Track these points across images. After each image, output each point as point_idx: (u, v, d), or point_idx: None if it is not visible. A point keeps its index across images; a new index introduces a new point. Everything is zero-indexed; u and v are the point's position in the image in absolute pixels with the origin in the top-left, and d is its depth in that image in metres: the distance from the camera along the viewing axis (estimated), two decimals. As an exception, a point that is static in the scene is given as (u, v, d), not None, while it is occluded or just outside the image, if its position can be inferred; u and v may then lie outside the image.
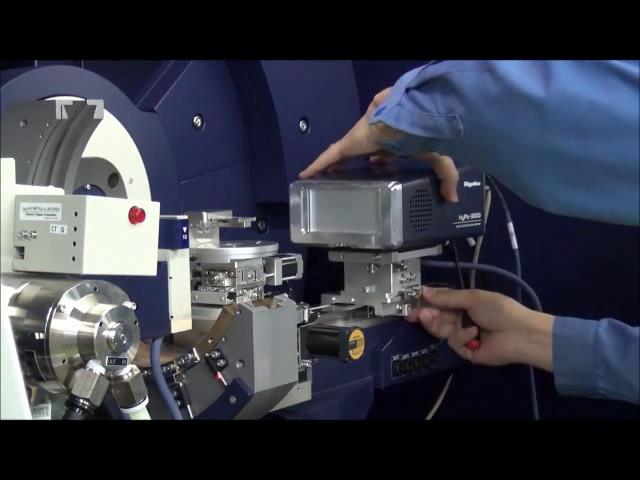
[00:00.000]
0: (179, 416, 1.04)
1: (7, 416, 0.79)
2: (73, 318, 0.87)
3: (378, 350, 1.30)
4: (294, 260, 1.16)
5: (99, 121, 1.01)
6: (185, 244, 1.02)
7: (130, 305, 0.90)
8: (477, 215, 1.34)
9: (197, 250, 1.12)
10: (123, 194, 1.17)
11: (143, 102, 1.24)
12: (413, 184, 1.24)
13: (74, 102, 1.00)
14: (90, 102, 1.00)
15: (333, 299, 1.32)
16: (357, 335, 1.14)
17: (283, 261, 1.15)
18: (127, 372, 0.90)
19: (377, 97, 1.22)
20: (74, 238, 0.89)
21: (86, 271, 0.89)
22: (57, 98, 1.07)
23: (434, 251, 1.35)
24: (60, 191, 0.97)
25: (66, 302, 0.87)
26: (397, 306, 1.32)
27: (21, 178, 0.97)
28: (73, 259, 0.89)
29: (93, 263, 0.89)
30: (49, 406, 0.91)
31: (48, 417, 0.91)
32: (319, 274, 1.36)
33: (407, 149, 1.19)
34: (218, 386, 1.08)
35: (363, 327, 1.18)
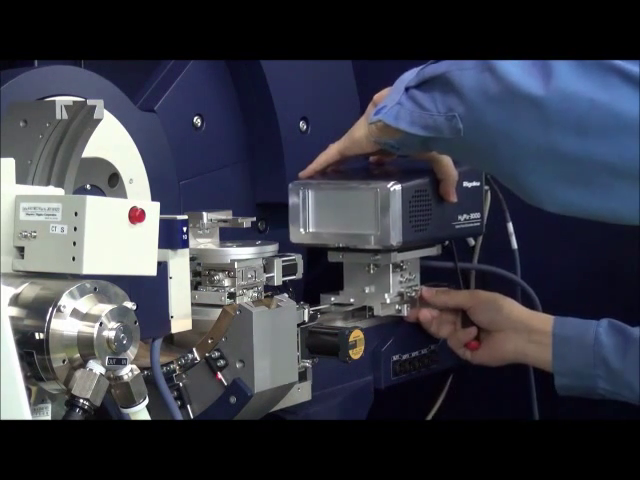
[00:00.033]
0: (179, 416, 1.04)
1: (7, 416, 0.79)
2: (73, 318, 0.87)
3: (378, 350, 1.30)
4: (294, 260, 1.16)
5: (99, 121, 1.01)
6: (185, 244, 1.02)
7: (130, 305, 0.90)
8: (476, 215, 1.34)
9: (197, 250, 1.12)
10: (123, 194, 1.17)
11: (143, 102, 1.24)
12: (412, 184, 1.24)
13: (74, 102, 1.00)
14: (90, 102, 1.00)
15: (332, 299, 1.31)
16: (357, 335, 1.14)
17: (283, 261, 1.15)
18: (127, 372, 0.90)
19: (376, 97, 1.22)
20: (74, 238, 0.89)
21: (86, 271, 0.89)
22: (57, 98, 1.07)
23: (433, 251, 1.35)
24: (60, 191, 0.97)
25: (66, 302, 0.87)
26: (396, 306, 1.32)
27: (21, 178, 0.97)
28: (73, 259, 0.89)
29: (93, 263, 0.89)
30: (49, 406, 0.91)
31: (48, 417, 0.91)
32: (319, 274, 1.36)
33: (406, 148, 1.19)
34: (218, 386, 1.08)
35: (363, 327, 1.18)
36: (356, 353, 1.14)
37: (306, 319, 1.15)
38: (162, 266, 0.99)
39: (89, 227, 0.89)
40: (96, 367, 0.87)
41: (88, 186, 1.13)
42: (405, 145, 1.17)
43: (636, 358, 1.24)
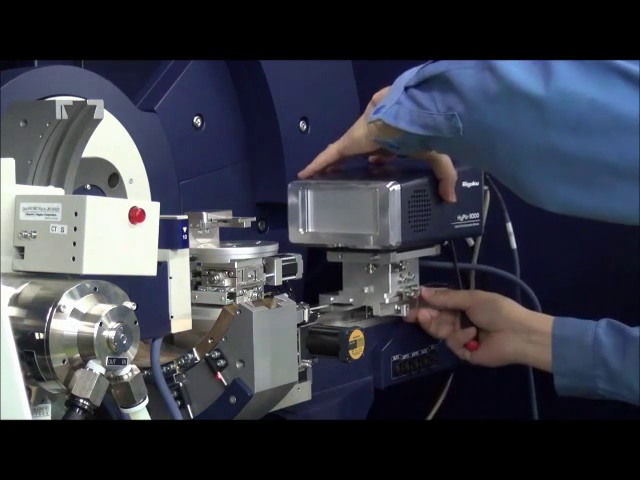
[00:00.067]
0: (179, 416, 1.04)
1: (7, 416, 0.79)
2: (73, 318, 0.87)
3: (378, 350, 1.30)
4: (294, 260, 1.16)
5: (99, 121, 1.01)
6: (185, 244, 1.02)
7: (130, 305, 0.90)
8: (476, 215, 1.34)
9: (197, 250, 1.12)
10: (123, 194, 1.17)
11: (143, 102, 1.24)
12: (411, 184, 1.24)
13: (74, 102, 1.00)
14: (90, 102, 1.00)
15: (331, 299, 1.31)
16: (357, 335, 1.14)
17: (283, 261, 1.15)
18: (127, 372, 0.90)
19: (375, 96, 1.22)
20: (74, 238, 0.89)
21: (86, 271, 0.89)
22: (57, 98, 1.07)
23: (433, 251, 1.35)
24: (60, 191, 0.97)
25: (66, 302, 0.87)
26: (395, 306, 1.32)
27: (21, 178, 0.97)
28: (73, 259, 0.89)
29: (93, 263, 0.89)
30: (49, 406, 0.91)
31: (48, 417, 0.91)
32: (319, 274, 1.36)
33: (406, 148, 1.19)
34: (218, 386, 1.08)
35: (362, 327, 1.17)
36: (356, 353, 1.14)
37: (306, 319, 1.15)
38: (162, 266, 0.99)
39: (89, 227, 0.89)
40: (96, 367, 0.87)
41: (88, 186, 1.13)
42: (404, 144, 1.17)
43: (636, 358, 1.24)
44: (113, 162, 1.16)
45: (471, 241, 1.43)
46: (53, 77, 1.11)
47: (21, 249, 0.92)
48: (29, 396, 0.87)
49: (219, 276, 1.11)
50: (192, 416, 1.09)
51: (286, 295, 1.14)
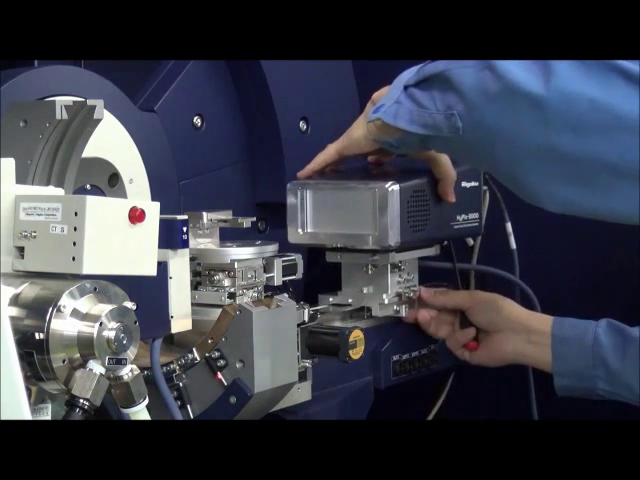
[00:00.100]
0: (179, 416, 1.04)
1: (7, 416, 0.79)
2: (73, 318, 0.87)
3: (378, 350, 1.30)
4: (294, 260, 1.16)
5: (99, 121, 1.01)
6: (185, 244, 1.02)
7: (130, 305, 0.90)
8: (475, 215, 1.34)
9: (197, 250, 1.12)
10: (123, 194, 1.17)
11: (143, 102, 1.24)
12: (410, 184, 1.24)
13: (74, 102, 1.00)
14: (90, 102, 1.00)
15: (330, 300, 1.31)
16: (357, 335, 1.14)
17: (283, 261, 1.15)
18: (127, 372, 0.90)
19: (375, 95, 1.21)
20: (74, 238, 0.89)
21: (86, 271, 0.89)
22: (57, 98, 1.07)
23: (432, 251, 1.35)
24: (60, 191, 0.97)
25: (66, 302, 0.87)
26: (395, 307, 1.32)
27: (21, 178, 0.97)
28: (73, 259, 0.89)
29: (93, 263, 0.89)
30: (49, 406, 0.91)
31: (48, 417, 0.91)
32: (319, 274, 1.36)
33: (405, 147, 1.19)
34: (218, 386, 1.08)
35: (362, 327, 1.18)
36: (356, 353, 1.14)
37: (306, 319, 1.15)
38: (162, 266, 0.99)
39: (89, 227, 0.89)
40: (96, 367, 0.87)
41: (88, 186, 1.13)
42: (404, 144, 1.17)
43: (635, 358, 1.23)
44: (113, 162, 1.16)
45: (471, 241, 1.43)
46: (53, 77, 1.11)
47: (21, 249, 0.92)
48: (29, 396, 0.87)
49: (219, 276, 1.11)
50: (192, 416, 1.09)
51: (286, 295, 1.14)
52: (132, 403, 0.92)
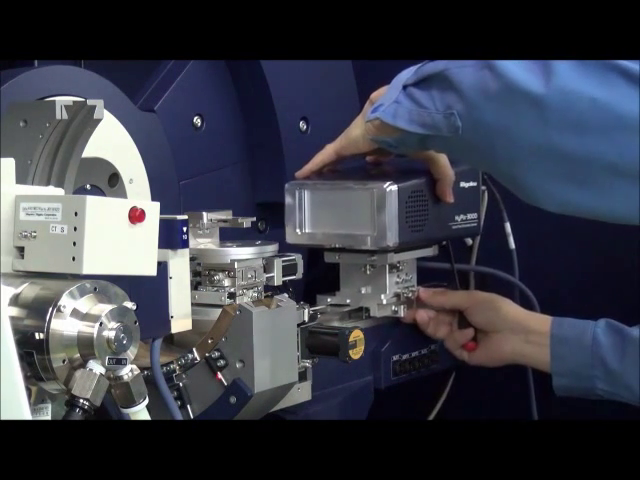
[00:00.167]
0: (179, 416, 1.04)
1: (7, 416, 0.79)
2: (73, 318, 0.87)
3: (378, 350, 1.30)
4: (294, 260, 1.16)
5: (99, 121, 1.01)
6: (185, 244, 1.02)
7: (130, 305, 0.90)
8: (473, 215, 1.34)
9: (197, 250, 1.12)
10: (123, 194, 1.17)
11: (143, 102, 1.24)
12: (409, 184, 1.24)
13: (74, 102, 1.00)
14: (90, 102, 1.00)
15: (328, 300, 1.31)
16: (357, 335, 1.14)
17: (283, 261, 1.15)
18: (127, 372, 0.90)
19: (373, 95, 1.21)
20: (74, 238, 0.89)
21: (86, 271, 0.89)
22: (57, 98, 1.07)
23: (430, 252, 1.35)
24: (60, 191, 0.97)
25: (66, 302, 0.87)
26: (393, 307, 1.32)
27: (21, 178, 0.97)
28: (73, 259, 0.89)
29: (93, 263, 0.89)
30: (49, 406, 0.91)
31: (48, 417, 0.91)
32: (319, 274, 1.36)
33: (404, 147, 1.19)
34: (218, 386, 1.08)
35: (361, 328, 1.18)
36: (356, 353, 1.14)
37: (306, 319, 1.15)
38: (162, 266, 0.99)
39: (89, 227, 0.89)
40: (96, 367, 0.87)
41: (88, 186, 1.13)
42: (403, 143, 1.17)
43: (635, 358, 1.23)
44: (113, 162, 1.16)
45: (469, 241, 1.43)
46: (53, 77, 1.11)
47: (21, 249, 0.92)
48: (29, 396, 0.87)
49: (219, 276, 1.11)
50: (192, 416, 1.09)
51: (286, 295, 1.14)
52: (132, 403, 0.92)
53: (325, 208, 1.26)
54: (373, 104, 1.18)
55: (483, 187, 1.37)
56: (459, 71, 1.05)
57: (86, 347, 0.87)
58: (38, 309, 0.87)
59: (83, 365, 0.88)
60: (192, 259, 1.07)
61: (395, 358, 1.32)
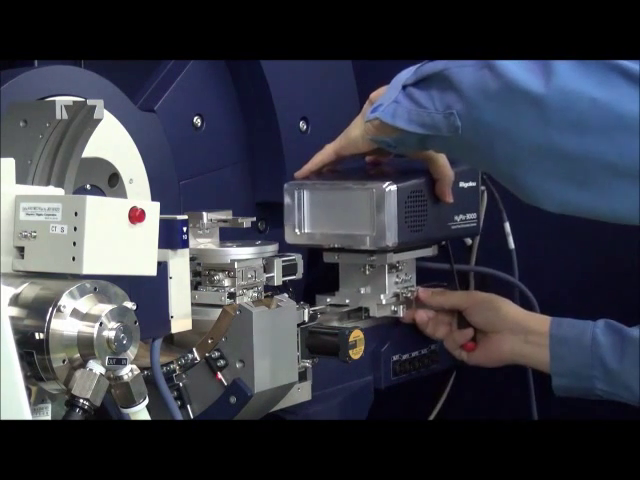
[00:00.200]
0: (179, 416, 1.04)
1: (7, 416, 0.79)
2: (73, 318, 0.87)
3: (378, 350, 1.30)
4: (294, 260, 1.16)
5: (99, 121, 1.01)
6: (185, 244, 1.02)
7: (130, 305, 0.90)
8: (473, 215, 1.34)
9: (197, 250, 1.12)
10: (123, 194, 1.17)
11: (143, 102, 1.24)
12: (408, 184, 1.24)
13: (74, 102, 1.00)
14: (90, 102, 1.00)
15: (328, 300, 1.31)
16: (357, 335, 1.14)
17: (283, 261, 1.15)
18: (127, 372, 0.90)
19: (373, 95, 1.21)
20: (74, 238, 0.89)
21: (86, 271, 0.89)
22: (57, 98, 1.07)
23: (430, 252, 1.35)
24: (60, 191, 0.97)
25: (66, 302, 0.87)
26: (392, 307, 1.32)
27: (21, 178, 0.97)
28: (73, 259, 0.89)
29: (93, 263, 0.89)
30: (49, 406, 0.91)
31: (48, 417, 0.91)
32: (319, 274, 1.36)
33: (403, 147, 1.19)
34: (218, 386, 1.08)
35: (361, 328, 1.18)
36: (356, 353, 1.14)
37: (306, 319, 1.15)
38: (162, 266, 0.99)
39: (89, 227, 0.89)
40: (96, 367, 0.87)
41: (88, 186, 1.13)
42: (402, 143, 1.17)
43: (634, 358, 1.23)
44: (113, 162, 1.16)
45: (469, 241, 1.43)
46: (53, 77, 1.11)
47: (21, 249, 0.92)
48: (29, 396, 0.87)
49: (219, 276, 1.11)
50: (192, 416, 1.09)
51: (286, 295, 1.14)
52: (132, 403, 0.92)
53: (324, 208, 1.26)
54: (372, 104, 1.18)
55: (482, 187, 1.37)
56: (459, 71, 1.05)
57: (86, 347, 0.87)
58: (38, 309, 0.87)
59: (83, 365, 0.88)
60: (192, 259, 1.07)
61: (395, 358, 1.32)
